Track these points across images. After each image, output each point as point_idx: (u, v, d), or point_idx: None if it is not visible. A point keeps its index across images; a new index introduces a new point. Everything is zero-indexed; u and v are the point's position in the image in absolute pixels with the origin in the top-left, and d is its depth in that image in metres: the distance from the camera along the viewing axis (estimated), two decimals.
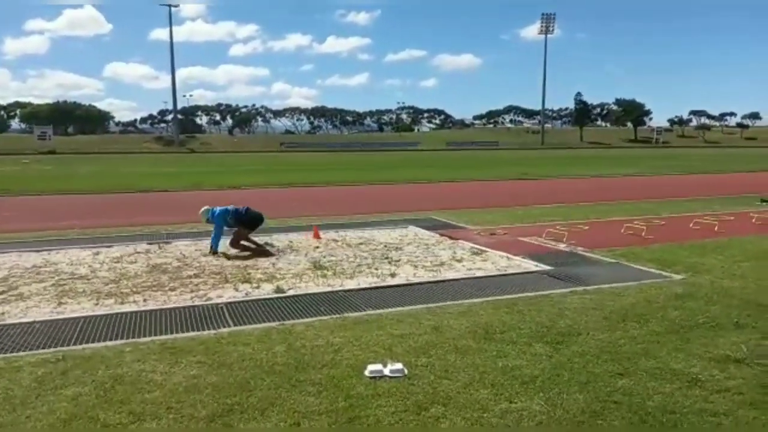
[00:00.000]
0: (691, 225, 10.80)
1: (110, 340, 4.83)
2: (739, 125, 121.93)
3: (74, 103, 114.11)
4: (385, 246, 9.02)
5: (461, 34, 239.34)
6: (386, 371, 4.02)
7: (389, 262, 7.77)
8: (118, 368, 4.19)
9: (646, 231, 9.91)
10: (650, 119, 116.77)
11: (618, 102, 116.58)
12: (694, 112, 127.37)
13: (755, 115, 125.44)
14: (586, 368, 4.13)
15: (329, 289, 6.43)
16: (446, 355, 4.38)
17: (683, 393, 3.73)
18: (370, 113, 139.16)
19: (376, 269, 7.37)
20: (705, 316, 5.28)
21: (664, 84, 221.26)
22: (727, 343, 4.59)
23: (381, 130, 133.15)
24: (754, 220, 11.35)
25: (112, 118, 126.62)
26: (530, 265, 7.52)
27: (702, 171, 30.14)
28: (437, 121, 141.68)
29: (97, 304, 5.90)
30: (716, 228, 10.34)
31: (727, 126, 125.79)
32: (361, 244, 9.23)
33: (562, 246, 8.86)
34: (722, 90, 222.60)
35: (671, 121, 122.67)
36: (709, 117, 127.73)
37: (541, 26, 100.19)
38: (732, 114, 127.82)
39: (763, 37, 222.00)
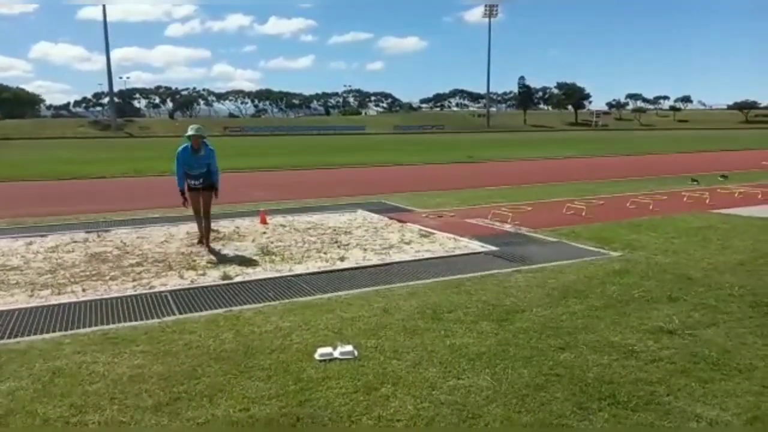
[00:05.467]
0: (628, 204, 11.26)
1: (47, 332, 4.63)
2: (672, 108, 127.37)
3: (0, 85, 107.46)
4: (334, 230, 9.00)
5: (405, 16, 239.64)
6: (336, 354, 4.03)
7: (338, 246, 7.76)
8: (57, 361, 4.03)
9: (586, 211, 10.27)
10: (590, 102, 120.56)
11: (559, 86, 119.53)
12: (630, 96, 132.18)
13: (687, 99, 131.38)
14: (529, 344, 4.26)
15: (278, 274, 6.37)
16: (396, 336, 4.43)
17: (620, 364, 3.91)
18: (317, 96, 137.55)
19: (325, 253, 7.34)
20: (641, 290, 5.54)
21: (602, 68, 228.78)
22: (661, 315, 4.84)
23: (328, 113, 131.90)
24: (685, 199, 11.94)
25: (43, 101, 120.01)
26: (476, 246, 7.67)
27: (638, 152, 31.39)
28: (384, 105, 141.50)
29: (31, 296, 5.64)
30: (651, 207, 10.83)
31: (661, 109, 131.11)
32: (309, 228, 9.17)
33: (507, 227, 9.07)
34: (656, 74, 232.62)
35: (609, 105, 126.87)
36: (644, 100, 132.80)
37: (485, 10, 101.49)
38: (665, 97, 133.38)
39: (692, 25, 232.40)
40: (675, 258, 6.83)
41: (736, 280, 5.82)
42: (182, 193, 7.67)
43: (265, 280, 6.13)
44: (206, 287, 5.89)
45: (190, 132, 7.61)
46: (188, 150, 7.57)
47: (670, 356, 4.02)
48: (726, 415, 3.24)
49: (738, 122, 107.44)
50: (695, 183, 15.11)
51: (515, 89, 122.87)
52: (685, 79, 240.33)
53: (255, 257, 7.21)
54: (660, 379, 3.68)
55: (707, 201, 11.55)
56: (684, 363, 3.90)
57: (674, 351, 4.10)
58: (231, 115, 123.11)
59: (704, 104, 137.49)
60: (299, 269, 6.57)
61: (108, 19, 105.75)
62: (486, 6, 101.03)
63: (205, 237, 7.80)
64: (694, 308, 5.01)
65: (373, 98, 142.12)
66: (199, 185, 7.72)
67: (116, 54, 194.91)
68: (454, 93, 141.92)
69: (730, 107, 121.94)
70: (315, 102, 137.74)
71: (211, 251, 7.50)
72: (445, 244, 7.90)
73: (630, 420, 3.20)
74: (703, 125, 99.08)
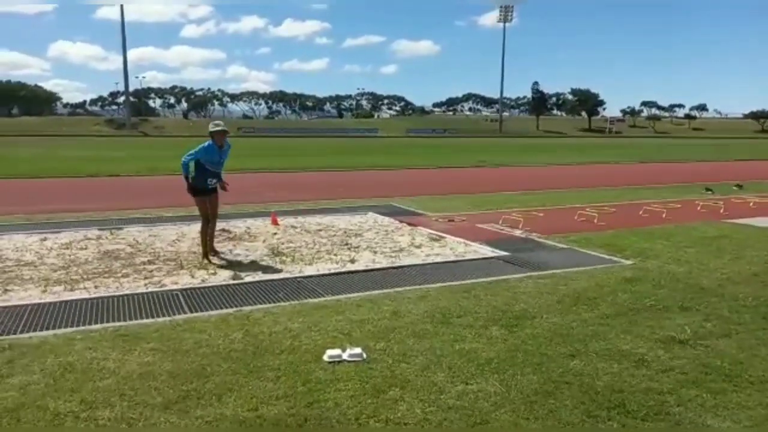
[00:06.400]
0: (640, 212, 11.17)
1: (59, 327, 4.68)
2: (687, 116, 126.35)
3: (18, 83, 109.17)
4: (345, 232, 9.01)
5: (419, 20, 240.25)
6: (345, 356, 4.04)
7: (348, 248, 7.77)
8: (68, 356, 4.07)
9: (598, 218, 10.20)
10: (604, 109, 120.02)
11: (573, 92, 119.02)
12: (645, 103, 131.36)
13: (702, 107, 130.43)
14: (539, 350, 4.24)
15: (288, 275, 6.39)
16: (404, 339, 4.43)
17: (630, 373, 3.88)
18: (330, 99, 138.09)
19: (336, 255, 7.35)
20: (652, 299, 5.49)
21: (617, 75, 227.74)
22: (673, 325, 4.79)
23: (341, 116, 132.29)
24: (699, 208, 11.83)
25: (60, 99, 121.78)
26: (487, 251, 7.65)
27: (652, 160, 31.15)
28: (397, 108, 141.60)
29: (45, 292, 5.70)
30: (664, 215, 10.73)
31: (676, 117, 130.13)
32: (320, 230, 9.19)
33: (518, 232, 9.03)
34: (671, 82, 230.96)
35: (623, 112, 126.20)
36: (659, 108, 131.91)
37: (500, 15, 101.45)
38: (681, 105, 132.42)
39: (709, 33, 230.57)
40: (688, 267, 6.76)
41: (750, 291, 5.75)
42: (186, 178, 7.23)
43: (275, 280, 6.15)
44: (217, 287, 5.92)
45: (217, 128, 7.15)
46: (214, 147, 7.13)
47: (682, 366, 3.98)
48: (737, 427, 3.20)
49: (754, 131, 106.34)
50: (710, 192, 14.96)
51: (529, 94, 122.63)
52: (700, 87, 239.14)
53: (265, 258, 7.23)
54: (671, 389, 3.64)
55: (722, 210, 11.42)
56: (695, 373, 3.86)
57: (686, 361, 4.06)
58: (245, 116, 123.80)
59: (720, 113, 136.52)
60: (309, 270, 6.59)
61: (125, 19, 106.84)
62: (501, 8, 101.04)
63: (210, 237, 7.42)
64: (707, 318, 4.96)
65: (386, 101, 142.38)
66: (215, 184, 7.35)
67: (133, 54, 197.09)
68: (467, 97, 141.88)
69: (746, 116, 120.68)
70: (328, 104, 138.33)
71: (217, 253, 7.39)
72: (456, 248, 7.88)
73: (640, 430, 3.17)
74: (718, 134, 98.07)
